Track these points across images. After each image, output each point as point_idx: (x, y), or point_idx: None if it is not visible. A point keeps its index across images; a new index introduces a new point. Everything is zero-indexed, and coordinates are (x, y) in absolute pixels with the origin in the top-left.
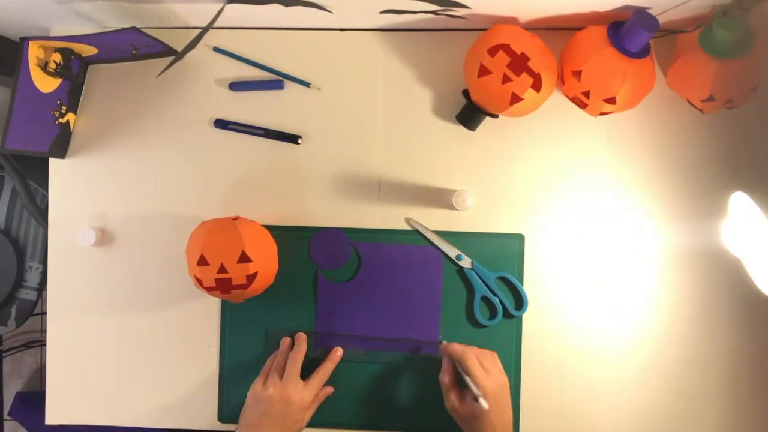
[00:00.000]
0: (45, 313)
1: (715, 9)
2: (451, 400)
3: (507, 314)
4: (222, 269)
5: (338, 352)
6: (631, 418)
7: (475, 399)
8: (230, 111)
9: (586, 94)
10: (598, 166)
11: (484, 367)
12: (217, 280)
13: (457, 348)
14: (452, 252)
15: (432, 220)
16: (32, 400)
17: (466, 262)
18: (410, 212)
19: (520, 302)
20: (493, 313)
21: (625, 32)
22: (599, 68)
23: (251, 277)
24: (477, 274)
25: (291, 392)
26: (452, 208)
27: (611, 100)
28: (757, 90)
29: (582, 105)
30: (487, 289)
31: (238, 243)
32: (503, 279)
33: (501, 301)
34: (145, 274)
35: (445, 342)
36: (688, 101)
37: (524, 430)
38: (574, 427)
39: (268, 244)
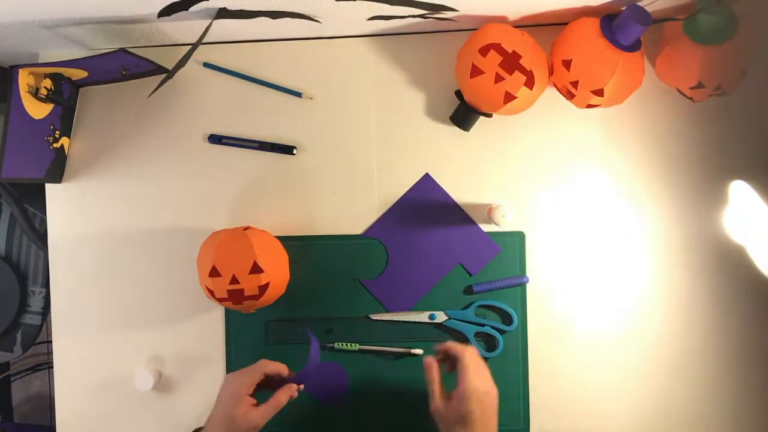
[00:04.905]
0: (50, 342)
1: None
2: (436, 400)
3: (502, 332)
4: (234, 280)
5: (293, 388)
6: (637, 410)
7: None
8: (224, 126)
9: (575, 84)
10: (594, 161)
11: (476, 371)
12: (229, 291)
13: (456, 345)
14: (422, 317)
15: None
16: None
17: (441, 317)
18: None
19: (507, 318)
20: (491, 343)
21: (618, 25)
22: (590, 58)
23: (263, 288)
24: (457, 320)
25: (236, 412)
26: (491, 222)
27: (599, 92)
28: (745, 74)
29: (569, 96)
30: (475, 325)
31: (250, 254)
32: (482, 306)
33: (493, 327)
34: (145, 293)
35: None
36: (678, 90)
37: (533, 429)
38: (582, 425)
39: (280, 254)
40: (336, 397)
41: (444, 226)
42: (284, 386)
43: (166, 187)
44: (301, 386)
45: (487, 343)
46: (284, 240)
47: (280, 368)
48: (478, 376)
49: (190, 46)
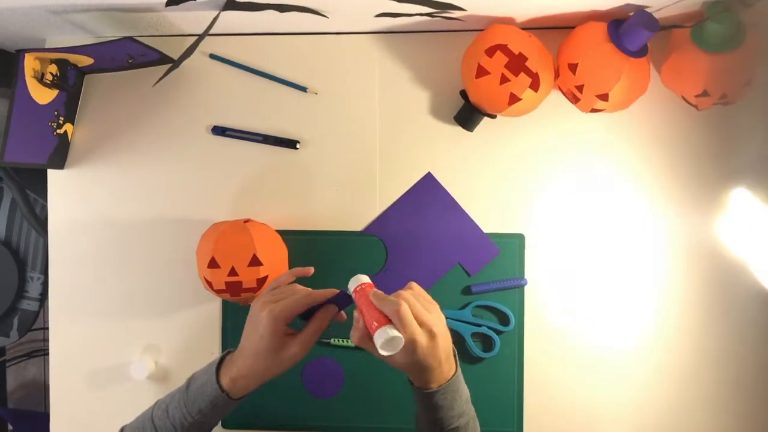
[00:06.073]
0: (47, 328)
1: (706, 5)
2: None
3: (499, 332)
4: (233, 272)
5: (334, 310)
6: (632, 414)
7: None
8: (228, 118)
9: (580, 88)
10: (597, 166)
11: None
12: (227, 283)
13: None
14: None
15: None
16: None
17: None
18: None
19: (505, 318)
20: (488, 344)
21: (625, 30)
22: (596, 62)
23: (261, 281)
24: (454, 320)
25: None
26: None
27: (604, 97)
28: (750, 85)
29: (574, 99)
30: (471, 325)
31: (250, 246)
32: (479, 307)
33: (490, 328)
34: (144, 282)
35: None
36: (683, 98)
37: (527, 430)
38: (577, 427)
39: (279, 247)
40: (331, 391)
41: (444, 225)
42: (323, 309)
43: (168, 177)
44: (342, 314)
45: (484, 344)
46: (284, 234)
47: (306, 271)
48: (416, 321)
49: (197, 37)
